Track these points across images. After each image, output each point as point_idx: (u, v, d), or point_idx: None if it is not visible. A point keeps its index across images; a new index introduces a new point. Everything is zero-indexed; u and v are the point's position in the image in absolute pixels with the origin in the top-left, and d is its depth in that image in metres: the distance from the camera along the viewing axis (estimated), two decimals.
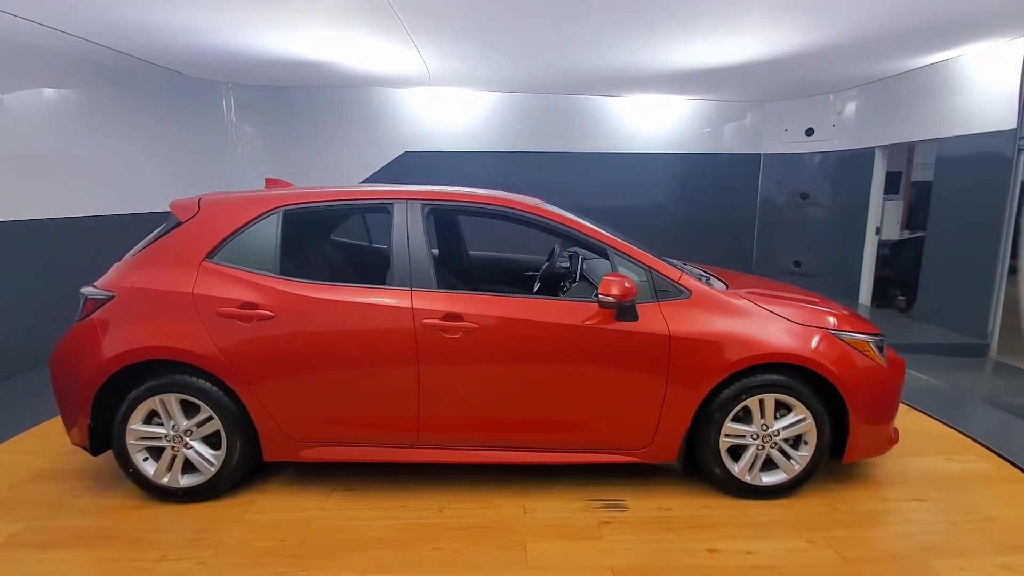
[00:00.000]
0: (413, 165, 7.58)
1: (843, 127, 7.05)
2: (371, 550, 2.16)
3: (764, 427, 2.42)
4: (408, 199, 2.56)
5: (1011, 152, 4.77)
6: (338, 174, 7.38)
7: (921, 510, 2.45)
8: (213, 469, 2.46)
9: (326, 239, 3.37)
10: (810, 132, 7.45)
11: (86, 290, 2.49)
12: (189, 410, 2.45)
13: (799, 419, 2.42)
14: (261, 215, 2.52)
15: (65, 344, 2.48)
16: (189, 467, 2.47)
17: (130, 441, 2.43)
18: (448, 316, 2.35)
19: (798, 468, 2.47)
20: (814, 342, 2.39)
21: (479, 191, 2.89)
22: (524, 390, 2.41)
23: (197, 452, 2.45)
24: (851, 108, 6.91)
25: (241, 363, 2.36)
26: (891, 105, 6.24)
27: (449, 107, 7.42)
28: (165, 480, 2.46)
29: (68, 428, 2.50)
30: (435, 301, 2.38)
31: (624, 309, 2.34)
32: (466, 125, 7.52)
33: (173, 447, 2.44)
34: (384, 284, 2.44)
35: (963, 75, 5.22)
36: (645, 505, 2.46)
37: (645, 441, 2.44)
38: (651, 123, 7.65)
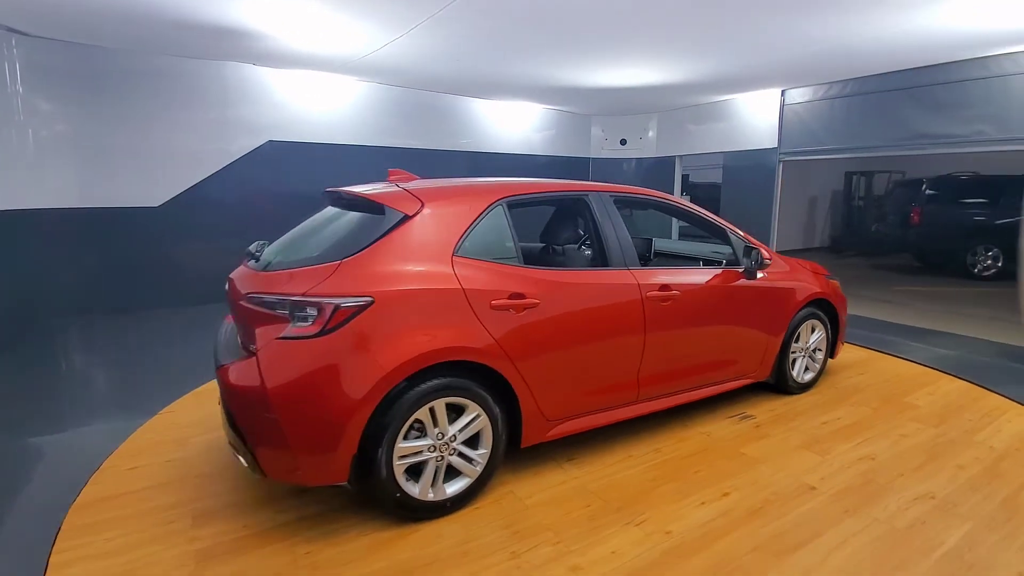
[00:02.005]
0: (277, 157, 6.74)
1: (649, 141, 9.29)
2: (660, 487, 2.55)
3: (806, 344, 3.67)
4: (599, 192, 2.90)
5: (774, 163, 7.38)
6: (179, 164, 6.08)
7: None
8: (479, 469, 2.39)
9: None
10: (623, 142, 9.52)
11: (335, 300, 2.08)
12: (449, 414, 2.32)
13: (822, 335, 3.75)
14: (489, 207, 2.51)
15: (298, 365, 2.03)
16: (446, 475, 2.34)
17: (396, 462, 2.17)
18: (663, 287, 2.85)
19: (818, 368, 3.80)
20: (821, 285, 3.73)
21: (633, 186, 3.35)
22: (702, 340, 3.08)
23: (462, 456, 2.34)
24: (658, 126, 9.16)
25: (513, 354, 2.38)
26: (689, 126, 8.61)
27: (320, 94, 6.86)
28: (431, 495, 2.27)
29: (300, 467, 2.06)
30: (647, 276, 2.83)
31: (755, 271, 3.25)
32: (336, 115, 7.07)
33: (439, 457, 2.28)
34: (608, 266, 2.75)
35: (743, 109, 7.73)
36: (761, 411, 3.43)
37: (758, 365, 3.40)
38: (507, 126, 8.54)
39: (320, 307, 2.09)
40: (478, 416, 2.34)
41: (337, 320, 2.07)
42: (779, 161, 7.35)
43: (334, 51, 5.53)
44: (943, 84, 5.60)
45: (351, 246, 2.26)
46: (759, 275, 3.32)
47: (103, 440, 3.01)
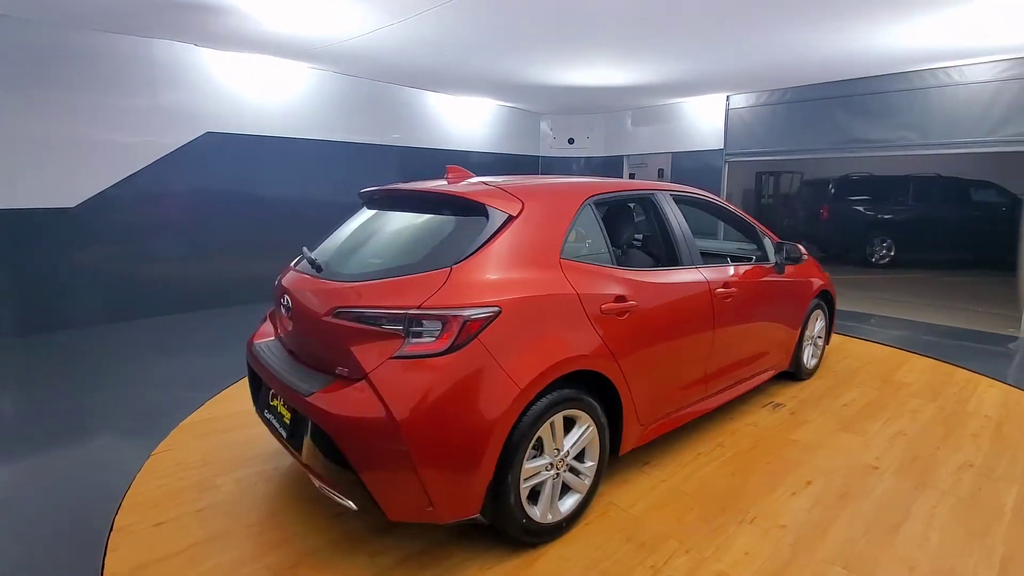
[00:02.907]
0: (216, 150, 6.02)
1: (597, 140, 9.51)
2: (746, 481, 2.59)
3: (812, 332, 3.94)
4: (660, 191, 2.88)
5: (720, 163, 7.89)
6: (100, 158, 5.23)
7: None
8: (588, 483, 2.27)
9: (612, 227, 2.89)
10: (571, 141, 9.66)
11: (464, 312, 1.85)
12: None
13: (823, 323, 4.05)
14: (581, 206, 2.39)
15: (427, 387, 1.79)
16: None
17: (522, 484, 2.00)
18: (725, 284, 2.90)
19: (819, 354, 4.10)
20: (822, 276, 4.02)
21: (685, 186, 3.34)
22: (750, 334, 3.18)
23: (573, 470, 2.21)
24: (606, 126, 9.39)
25: (619, 359, 2.28)
26: (638, 126, 8.93)
27: (267, 81, 6.23)
28: (549, 517, 2.12)
29: (435, 503, 1.82)
30: (711, 273, 2.86)
31: (784, 266, 3.42)
32: (285, 105, 6.46)
33: (555, 475, 2.13)
34: (680, 265, 2.74)
35: (691, 112, 8.16)
36: (784, 398, 3.62)
37: (785, 355, 3.59)
38: (461, 122, 8.33)
39: (445, 320, 1.86)
40: (588, 427, 2.23)
41: (467, 334, 1.86)
42: (725, 162, 7.87)
43: (311, 34, 5.01)
44: (873, 95, 6.30)
45: (452, 251, 2.04)
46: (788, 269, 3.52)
47: (97, 498, 2.47)
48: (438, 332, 1.86)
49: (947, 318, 5.79)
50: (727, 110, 7.69)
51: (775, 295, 3.40)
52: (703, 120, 8.02)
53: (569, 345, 2.09)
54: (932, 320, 5.71)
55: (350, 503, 1.91)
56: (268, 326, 2.67)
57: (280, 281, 2.43)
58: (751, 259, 3.49)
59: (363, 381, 1.86)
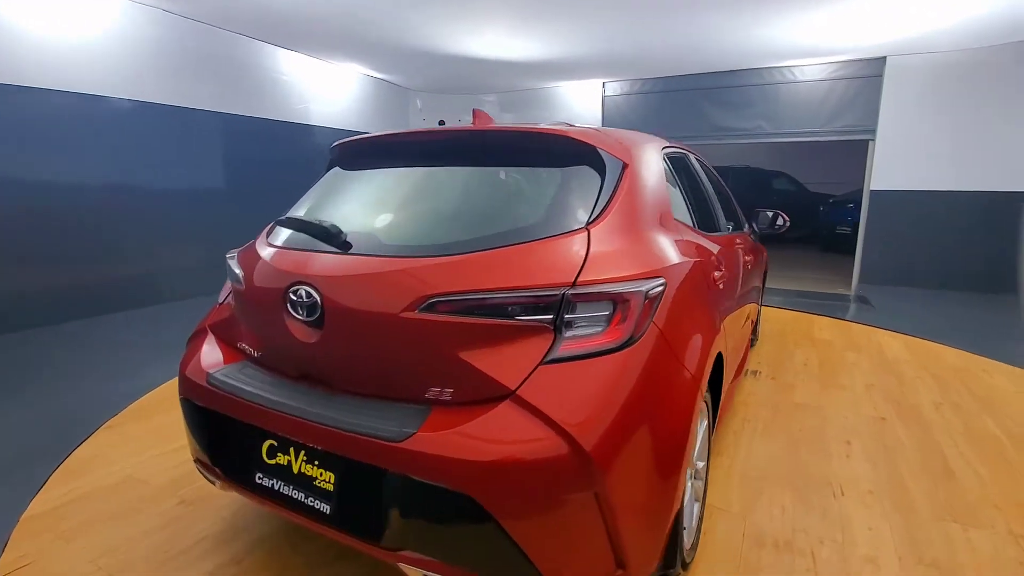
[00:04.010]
0: None
1: (468, 123, 9.03)
2: (798, 451, 2.48)
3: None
4: (686, 148, 2.59)
5: None
6: None
7: None
8: (703, 486, 1.89)
9: None
10: (442, 123, 9.02)
11: (636, 287, 1.29)
12: None
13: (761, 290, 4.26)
14: (663, 160, 1.98)
15: (611, 400, 1.22)
16: None
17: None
18: (744, 251, 2.76)
19: (757, 319, 4.31)
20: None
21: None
22: (748, 302, 3.08)
23: (696, 477, 1.82)
24: (481, 108, 8.95)
25: (726, 337, 1.95)
26: (511, 111, 8.68)
27: (54, 13, 4.47)
28: (688, 540, 1.70)
29: (629, 561, 1.26)
30: (734, 240, 2.68)
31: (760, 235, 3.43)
32: (84, 49, 4.74)
33: (693, 481, 1.72)
34: (719, 230, 2.49)
35: (568, 96, 8.20)
36: (755, 364, 3.68)
37: (753, 323, 3.64)
38: (323, 92, 7.16)
39: (619, 300, 1.30)
40: (705, 420, 1.85)
41: (645, 316, 1.32)
42: None
43: None
44: (733, 87, 7.01)
45: (569, 208, 1.47)
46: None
47: None
48: (606, 318, 1.29)
49: (797, 284, 6.74)
50: (603, 97, 7.91)
51: (755, 264, 3.43)
52: (579, 106, 8.13)
53: (713, 324, 1.70)
54: (787, 287, 6.57)
55: None
56: (215, 346, 1.73)
57: (272, 266, 1.54)
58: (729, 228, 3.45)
59: (506, 403, 1.21)
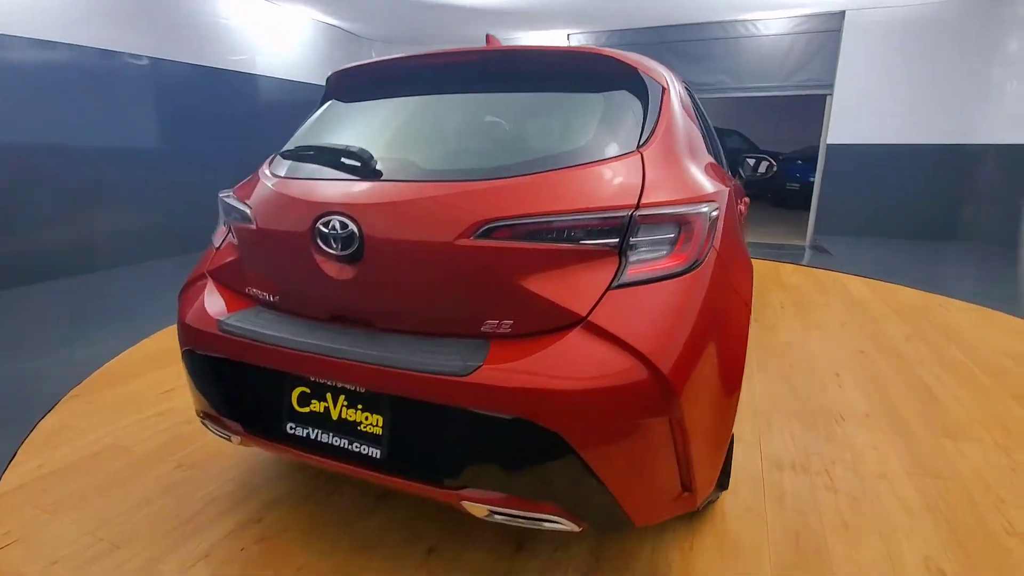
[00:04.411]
0: None
1: None
2: (801, 385, 2.58)
3: None
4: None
5: None
6: None
7: None
8: None
9: None
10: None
11: (698, 209, 1.24)
12: None
13: None
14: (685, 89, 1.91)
15: (681, 324, 1.17)
16: None
17: None
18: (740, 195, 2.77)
19: None
20: None
21: None
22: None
23: None
24: None
25: None
26: None
27: None
28: None
29: (696, 483, 1.25)
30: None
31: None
32: None
33: None
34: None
35: None
36: None
37: None
38: (270, 38, 6.60)
39: (683, 223, 1.24)
40: None
41: (708, 240, 1.28)
42: None
43: None
44: (696, 41, 7.00)
45: (616, 130, 1.39)
46: None
47: None
48: (670, 241, 1.24)
49: (753, 237, 6.98)
50: None
51: (746, 208, 3.47)
52: None
53: (748, 253, 1.69)
54: (746, 238, 6.80)
55: (568, 525, 1.20)
56: (217, 293, 1.56)
57: (294, 198, 1.38)
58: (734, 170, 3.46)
59: (578, 330, 1.15)
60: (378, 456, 1.26)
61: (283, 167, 1.55)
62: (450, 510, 1.68)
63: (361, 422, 1.29)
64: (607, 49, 1.54)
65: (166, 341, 3.21)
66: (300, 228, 1.33)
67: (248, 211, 1.48)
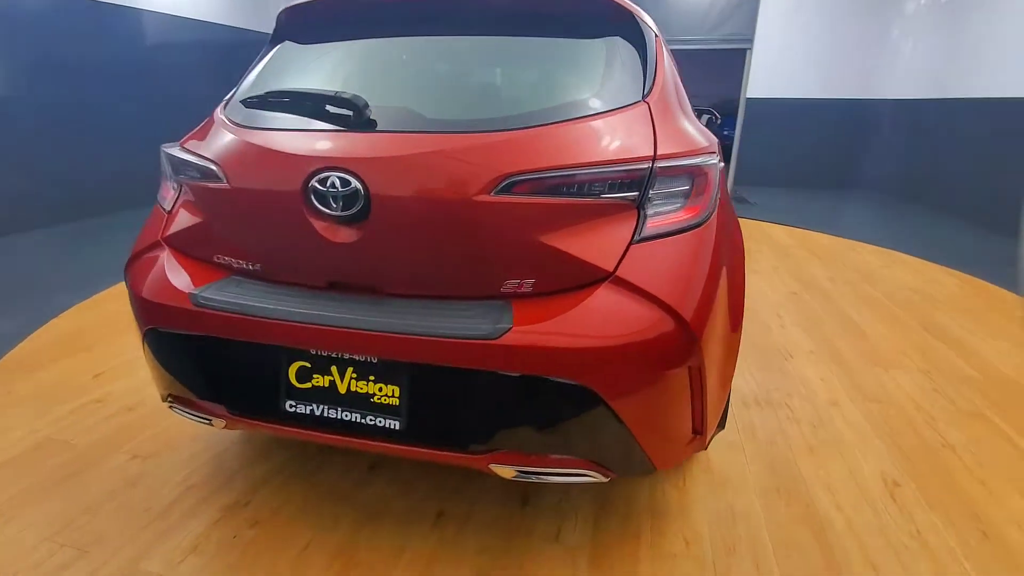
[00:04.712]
0: None
1: None
2: (754, 324, 2.76)
3: None
4: None
5: None
6: None
7: None
8: None
9: None
10: None
11: (706, 160, 1.24)
12: None
13: None
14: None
15: (696, 276, 1.20)
16: None
17: None
18: None
19: None
20: None
21: None
22: None
23: None
24: None
25: None
26: None
27: None
28: None
29: (707, 427, 1.31)
30: None
31: None
32: None
33: None
34: None
35: None
36: None
37: None
38: None
39: (696, 175, 1.24)
40: None
41: (717, 191, 1.29)
42: None
43: None
44: None
45: (615, 78, 1.35)
46: None
47: None
48: (683, 193, 1.24)
49: None
50: None
51: None
52: None
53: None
54: None
55: (596, 477, 1.22)
56: (177, 264, 1.39)
57: (279, 152, 1.21)
58: None
59: (606, 286, 1.14)
60: (397, 427, 1.21)
61: (250, 116, 1.37)
62: (448, 472, 1.68)
63: (375, 394, 1.22)
64: None
65: (82, 319, 2.85)
66: (290, 187, 1.19)
67: (215, 168, 1.30)
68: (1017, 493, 1.62)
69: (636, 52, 1.43)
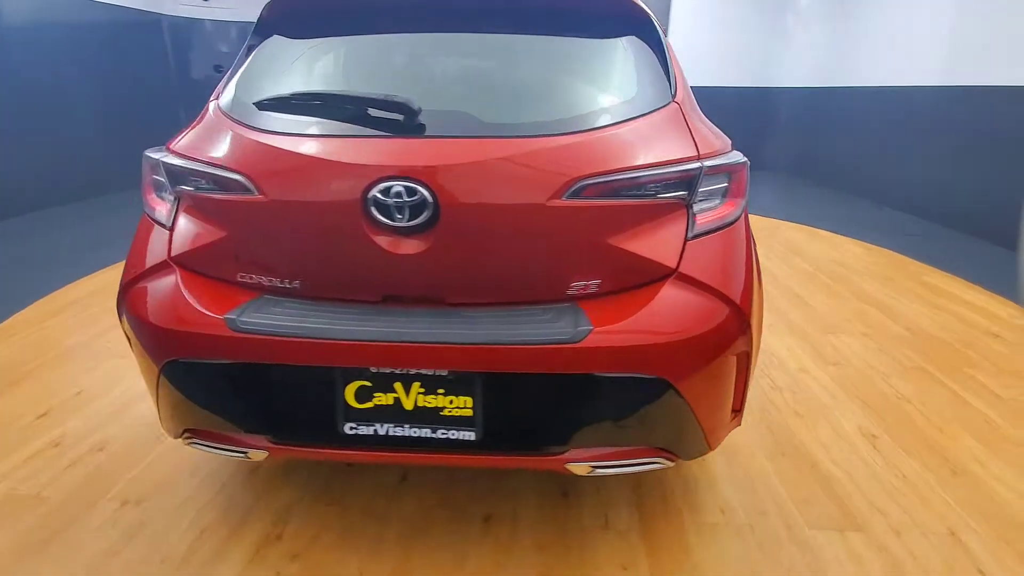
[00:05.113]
0: None
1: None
2: None
3: None
4: None
5: None
6: None
7: None
8: None
9: None
10: None
11: (742, 158, 1.32)
12: None
13: None
14: None
15: (736, 266, 1.29)
16: None
17: None
18: None
19: None
20: None
21: None
22: None
23: None
24: None
25: None
26: None
27: None
28: None
29: (742, 405, 1.42)
30: None
31: None
32: None
33: None
34: None
35: None
36: None
37: None
38: None
39: (733, 172, 1.32)
40: None
41: (748, 188, 1.38)
42: None
43: None
44: None
45: (648, 80, 1.39)
46: None
47: None
48: (722, 191, 1.32)
49: None
50: None
51: None
52: None
53: None
54: None
55: (664, 463, 1.28)
56: (197, 286, 1.25)
57: (333, 161, 1.13)
58: None
59: (671, 282, 1.19)
60: (473, 438, 1.19)
61: (275, 121, 1.25)
62: (480, 474, 1.67)
63: (445, 407, 1.19)
64: None
65: (3, 350, 2.45)
66: (347, 198, 1.12)
67: (242, 179, 1.18)
68: (968, 435, 1.91)
69: (655, 52, 1.48)
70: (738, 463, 1.77)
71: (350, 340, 1.13)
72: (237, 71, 1.46)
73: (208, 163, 1.23)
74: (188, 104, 7.10)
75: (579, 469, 1.24)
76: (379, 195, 1.11)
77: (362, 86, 1.39)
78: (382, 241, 1.14)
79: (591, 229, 1.17)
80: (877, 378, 2.28)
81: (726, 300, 1.21)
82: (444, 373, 1.17)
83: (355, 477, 1.69)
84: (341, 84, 1.39)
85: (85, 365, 2.37)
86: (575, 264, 1.19)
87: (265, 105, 1.27)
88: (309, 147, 1.18)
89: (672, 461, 1.30)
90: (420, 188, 1.10)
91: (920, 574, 1.37)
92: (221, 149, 1.24)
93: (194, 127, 1.37)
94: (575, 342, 1.11)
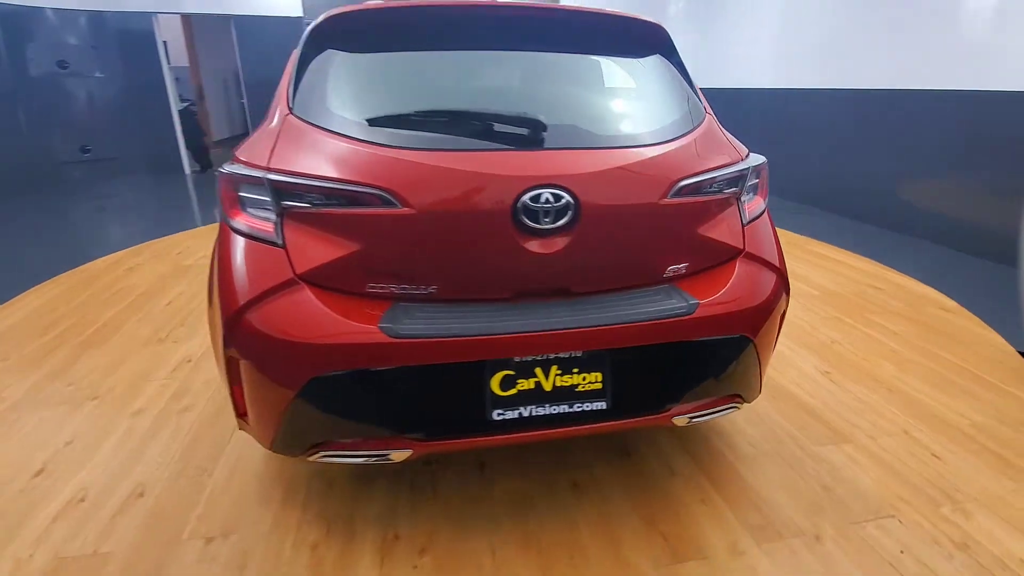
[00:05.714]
0: None
1: None
2: None
3: None
4: None
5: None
6: None
7: None
8: None
9: None
10: None
11: (762, 158, 1.63)
12: None
13: None
14: None
15: (774, 242, 1.62)
16: None
17: None
18: None
19: None
20: None
21: None
22: None
23: None
24: None
25: None
26: None
27: None
28: None
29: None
30: None
31: None
32: None
33: None
34: None
35: None
36: None
37: None
38: None
39: (761, 170, 1.64)
40: None
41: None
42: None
43: None
44: None
45: (688, 94, 1.67)
46: None
47: None
48: (756, 187, 1.64)
49: None
50: None
51: None
52: None
53: None
54: None
55: (736, 407, 1.57)
56: (331, 300, 1.28)
57: (482, 172, 1.24)
58: None
59: (740, 259, 1.49)
60: (604, 407, 1.38)
61: (398, 137, 1.30)
62: (537, 448, 1.85)
63: (578, 384, 1.36)
64: (645, 16, 1.75)
65: None
66: (500, 206, 1.23)
67: (385, 193, 1.23)
68: (889, 364, 2.50)
69: (679, 70, 1.76)
70: (747, 407, 2.15)
71: (496, 335, 1.26)
72: (314, 85, 1.45)
73: (336, 180, 1.25)
74: (26, 105, 6.03)
75: (681, 421, 1.49)
76: (528, 201, 1.24)
77: (457, 103, 1.48)
78: (527, 243, 1.28)
79: (684, 221, 1.42)
80: (810, 328, 2.85)
81: (776, 270, 1.53)
82: (579, 354, 1.34)
83: (438, 474, 1.76)
84: (433, 100, 1.47)
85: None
86: (672, 251, 1.43)
87: (381, 121, 1.32)
88: (456, 161, 1.27)
89: (739, 406, 1.60)
90: (564, 194, 1.26)
91: (898, 464, 1.84)
92: (345, 165, 1.27)
93: (279, 143, 1.36)
94: (689, 314, 1.35)
